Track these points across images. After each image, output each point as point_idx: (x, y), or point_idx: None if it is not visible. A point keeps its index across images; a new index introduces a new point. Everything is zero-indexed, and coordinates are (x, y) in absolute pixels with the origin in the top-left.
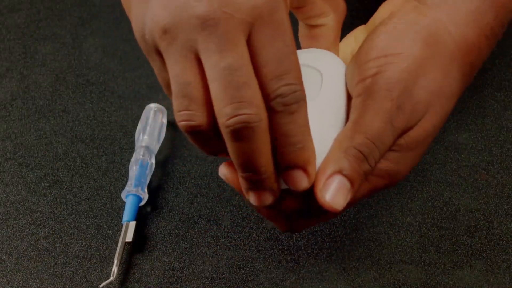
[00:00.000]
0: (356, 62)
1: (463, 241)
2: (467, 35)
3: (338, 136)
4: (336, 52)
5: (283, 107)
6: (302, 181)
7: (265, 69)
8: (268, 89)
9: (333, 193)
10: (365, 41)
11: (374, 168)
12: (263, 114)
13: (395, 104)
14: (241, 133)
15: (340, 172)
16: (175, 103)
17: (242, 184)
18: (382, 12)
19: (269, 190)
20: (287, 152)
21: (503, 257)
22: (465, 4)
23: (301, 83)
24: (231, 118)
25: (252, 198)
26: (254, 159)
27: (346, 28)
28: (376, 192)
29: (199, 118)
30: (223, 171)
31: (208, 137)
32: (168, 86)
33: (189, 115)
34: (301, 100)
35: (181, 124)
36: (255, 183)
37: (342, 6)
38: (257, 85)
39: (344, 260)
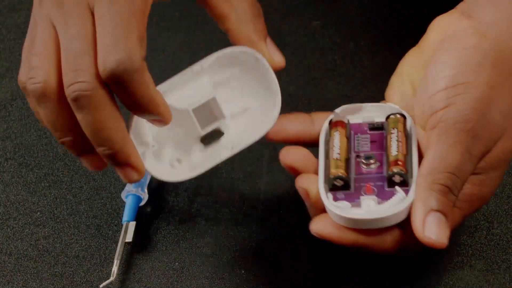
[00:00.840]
0: (424, 93)
1: (463, 241)
2: None
3: (421, 173)
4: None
5: (112, 76)
6: (158, 121)
7: (101, 39)
8: (101, 60)
9: (435, 231)
10: (429, 69)
11: (458, 195)
12: (97, 84)
13: (470, 134)
14: (80, 102)
15: (432, 210)
16: (23, 60)
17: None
18: (434, 33)
19: (130, 165)
20: (139, 111)
21: (503, 257)
22: None
23: (134, 53)
24: (69, 86)
25: (120, 175)
26: (100, 131)
27: (346, 25)
28: (468, 217)
29: (42, 76)
30: (317, 227)
31: (55, 106)
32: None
33: (33, 72)
34: (133, 71)
35: (21, 84)
36: (113, 158)
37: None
38: (94, 55)
39: (343, 260)
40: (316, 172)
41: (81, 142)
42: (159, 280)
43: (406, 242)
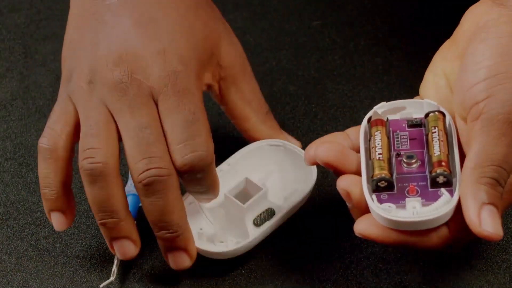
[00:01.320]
0: (463, 84)
1: None
2: None
3: (467, 166)
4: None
5: (189, 170)
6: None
7: (172, 135)
8: (175, 155)
9: (491, 224)
10: (467, 60)
11: (504, 187)
12: (172, 171)
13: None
14: (153, 186)
15: (484, 203)
16: (82, 141)
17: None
18: (467, 24)
19: (186, 251)
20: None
21: (503, 257)
22: None
23: (208, 149)
24: (143, 172)
25: (173, 260)
26: (168, 214)
27: (346, 25)
28: (509, 207)
29: (103, 156)
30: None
31: (109, 180)
32: (66, 124)
33: (93, 152)
34: (208, 164)
35: (81, 164)
36: (173, 241)
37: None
38: (165, 144)
39: (343, 260)
40: (355, 167)
41: (123, 227)
42: (159, 280)
43: (452, 239)
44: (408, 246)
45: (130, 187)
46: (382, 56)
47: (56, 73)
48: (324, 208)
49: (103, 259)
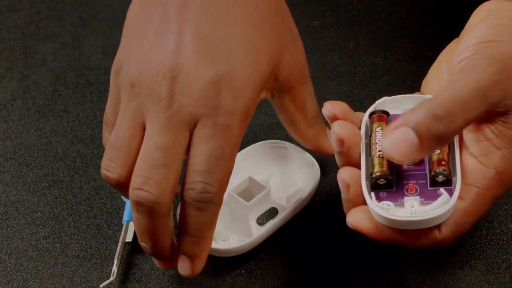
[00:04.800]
0: (454, 52)
1: (463, 241)
2: None
3: (425, 99)
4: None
5: (192, 200)
6: (185, 269)
7: (193, 160)
8: (187, 178)
9: (394, 143)
10: (463, 35)
11: (452, 134)
12: (165, 199)
13: (491, 78)
14: (139, 207)
15: (406, 124)
16: (106, 149)
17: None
18: (474, 18)
19: (165, 260)
20: (182, 239)
21: (503, 257)
22: None
23: (220, 189)
24: (135, 189)
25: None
26: (147, 235)
27: (346, 25)
28: (499, 198)
29: (116, 172)
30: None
31: (123, 193)
32: (107, 122)
33: (110, 166)
34: (212, 203)
35: (101, 171)
36: (152, 255)
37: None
38: (177, 173)
39: (344, 260)
40: (359, 155)
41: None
42: (159, 280)
43: (442, 242)
44: (399, 244)
45: None
46: (382, 56)
47: (56, 73)
48: (324, 208)
49: (103, 259)
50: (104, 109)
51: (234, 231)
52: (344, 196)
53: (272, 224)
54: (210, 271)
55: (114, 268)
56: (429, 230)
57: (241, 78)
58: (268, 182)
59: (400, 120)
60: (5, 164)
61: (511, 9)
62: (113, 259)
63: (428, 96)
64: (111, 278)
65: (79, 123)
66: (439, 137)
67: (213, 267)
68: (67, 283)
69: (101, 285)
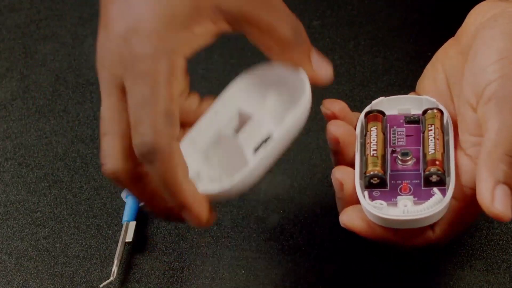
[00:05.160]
0: (476, 68)
1: (463, 241)
2: None
3: (487, 144)
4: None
5: (140, 158)
6: (189, 221)
7: (129, 118)
8: (132, 139)
9: (503, 203)
10: (477, 46)
11: None
12: (117, 167)
13: None
14: (112, 182)
15: (500, 181)
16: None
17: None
18: (471, 20)
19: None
20: (166, 196)
21: (503, 257)
22: None
23: (156, 134)
24: (102, 167)
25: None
26: (143, 200)
27: (346, 25)
28: None
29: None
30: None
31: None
32: None
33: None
34: (156, 152)
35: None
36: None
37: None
38: (120, 136)
39: (343, 260)
40: (354, 154)
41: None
42: (159, 280)
43: (435, 242)
44: (391, 243)
45: None
46: (382, 56)
47: (56, 73)
48: (323, 208)
49: (103, 259)
50: None
51: (231, 168)
52: (338, 195)
53: (267, 151)
54: (210, 271)
55: (114, 268)
56: (422, 229)
57: (146, 21)
58: (259, 111)
59: (489, 179)
60: (5, 164)
61: (511, 10)
62: (113, 259)
63: (428, 98)
64: (111, 278)
65: (79, 123)
66: None
67: (213, 267)
68: (67, 283)
69: (101, 285)
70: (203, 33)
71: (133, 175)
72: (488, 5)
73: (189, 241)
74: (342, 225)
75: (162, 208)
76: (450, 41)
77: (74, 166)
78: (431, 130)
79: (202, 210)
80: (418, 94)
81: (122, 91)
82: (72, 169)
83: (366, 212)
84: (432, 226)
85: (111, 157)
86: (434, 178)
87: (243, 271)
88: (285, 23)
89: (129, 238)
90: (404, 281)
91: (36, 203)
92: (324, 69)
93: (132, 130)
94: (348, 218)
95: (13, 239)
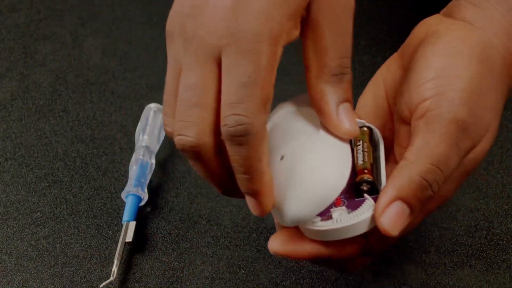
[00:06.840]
0: (412, 83)
1: (463, 241)
2: (509, 47)
3: (405, 159)
4: None
5: (229, 136)
6: (254, 208)
7: (222, 95)
8: (221, 115)
9: (392, 219)
10: (416, 62)
11: (435, 194)
12: (205, 140)
13: (460, 126)
14: (185, 153)
15: (401, 198)
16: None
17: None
18: (415, 34)
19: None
20: (238, 178)
21: (503, 257)
22: (504, 17)
23: (255, 117)
24: (176, 135)
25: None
26: (206, 178)
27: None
28: (426, 216)
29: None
30: (273, 246)
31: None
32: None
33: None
34: (249, 134)
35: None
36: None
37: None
38: (212, 109)
39: None
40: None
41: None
42: (159, 280)
43: (366, 249)
44: (324, 260)
45: (130, 187)
46: (382, 56)
47: (56, 73)
48: None
49: (103, 259)
50: (104, 109)
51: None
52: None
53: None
54: (210, 271)
55: (114, 268)
56: (355, 238)
57: (265, 1)
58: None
59: (391, 191)
60: (5, 164)
61: (461, 29)
62: (113, 259)
63: (358, 120)
64: (111, 278)
65: (79, 123)
66: (425, 202)
67: (213, 267)
68: (67, 283)
69: (101, 285)
70: (298, 28)
71: (215, 151)
72: (433, 20)
73: (189, 241)
74: (272, 253)
75: (227, 186)
76: (394, 56)
77: (74, 166)
78: (359, 145)
79: (270, 202)
80: (357, 113)
81: (218, 64)
82: (72, 169)
83: (303, 230)
84: (365, 235)
85: (198, 129)
86: (364, 186)
87: (243, 271)
88: (342, 57)
89: (129, 238)
90: (405, 281)
91: (36, 203)
92: (348, 124)
93: (225, 106)
94: (274, 245)
95: (13, 239)
